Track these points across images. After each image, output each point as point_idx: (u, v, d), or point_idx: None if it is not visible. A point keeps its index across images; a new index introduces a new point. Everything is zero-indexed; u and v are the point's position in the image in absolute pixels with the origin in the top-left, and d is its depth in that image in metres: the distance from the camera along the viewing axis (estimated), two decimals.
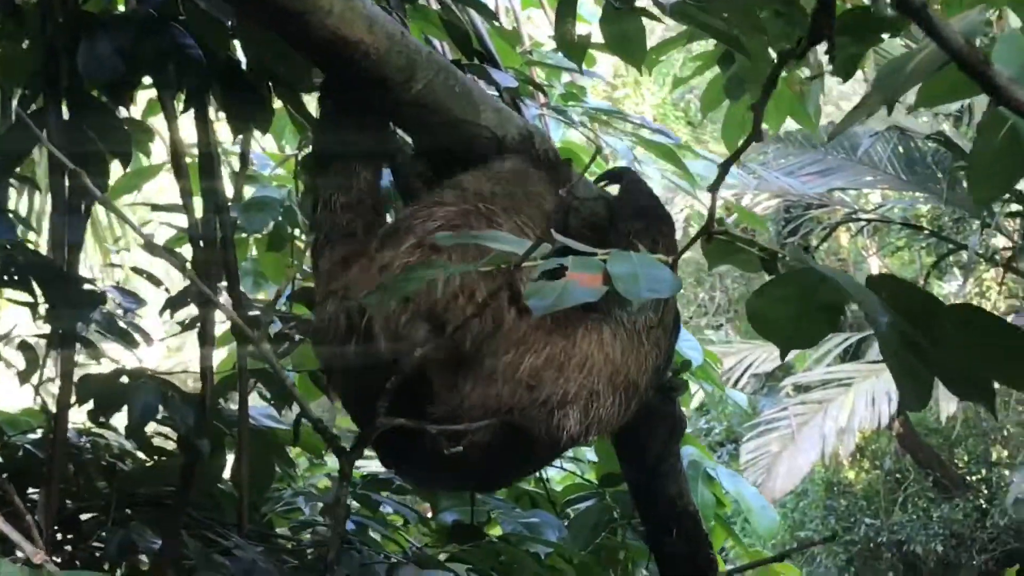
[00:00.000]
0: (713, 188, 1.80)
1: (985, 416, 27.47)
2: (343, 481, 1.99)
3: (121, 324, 3.49)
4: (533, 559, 3.57)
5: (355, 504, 3.60)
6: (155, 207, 3.98)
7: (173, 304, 3.60)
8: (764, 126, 3.46)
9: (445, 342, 2.19)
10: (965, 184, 21.53)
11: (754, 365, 20.93)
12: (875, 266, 28.24)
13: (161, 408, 3.24)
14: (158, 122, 3.77)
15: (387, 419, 1.95)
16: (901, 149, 22.04)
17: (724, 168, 1.86)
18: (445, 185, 2.51)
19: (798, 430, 19.60)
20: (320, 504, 3.96)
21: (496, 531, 3.77)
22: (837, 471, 28.15)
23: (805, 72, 3.20)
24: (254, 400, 4.44)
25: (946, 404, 19.08)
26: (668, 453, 2.75)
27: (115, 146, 3.07)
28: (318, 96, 2.76)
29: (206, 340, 3.27)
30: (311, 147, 2.83)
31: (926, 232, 22.54)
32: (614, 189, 2.76)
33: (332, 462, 4.71)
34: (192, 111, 3.33)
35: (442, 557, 3.42)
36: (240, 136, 3.85)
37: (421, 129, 2.65)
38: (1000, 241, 21.48)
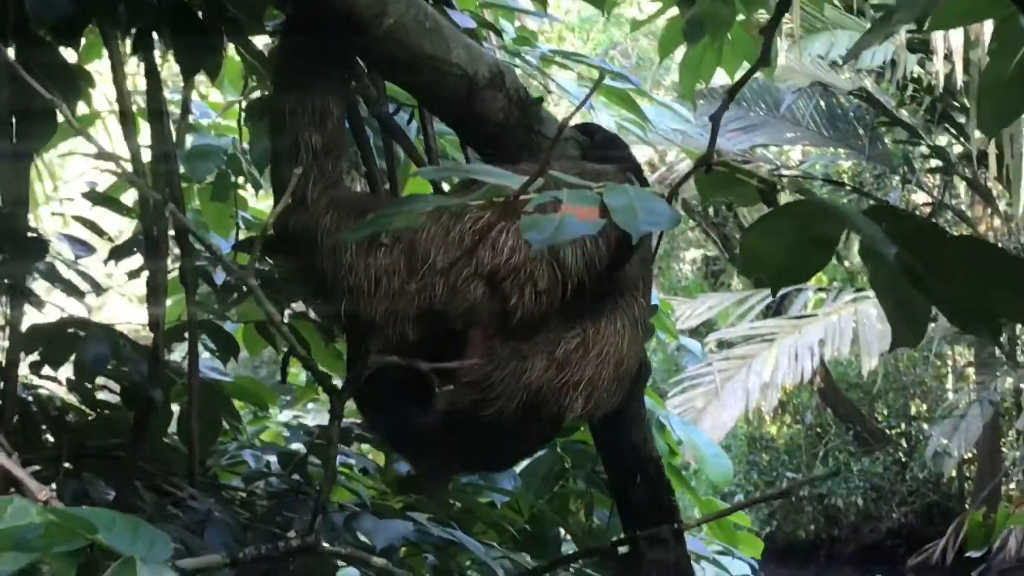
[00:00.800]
0: (715, 117, 1.77)
1: (904, 371, 27.90)
2: (335, 420, 1.95)
3: (67, 274, 3.41)
4: (488, 508, 3.56)
5: (305, 454, 3.54)
6: (98, 155, 3.88)
7: (119, 253, 3.52)
8: (721, 72, 3.45)
9: (496, 308, 2.21)
10: (886, 139, 21.70)
11: (678, 321, 20.97)
12: None
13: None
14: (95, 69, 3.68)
15: (378, 357, 1.92)
16: (823, 105, 22.21)
17: (728, 97, 1.82)
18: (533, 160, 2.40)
19: (722, 385, 19.69)
20: (267, 458, 3.92)
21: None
22: (760, 426, 28.43)
23: (764, 16, 3.18)
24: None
25: (867, 359, 19.28)
26: (632, 398, 2.71)
27: (64, 91, 2.98)
28: (280, 36, 2.69)
29: (157, 289, 3.20)
30: (273, 90, 2.73)
31: (847, 188, 22.78)
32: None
33: (283, 416, 4.68)
34: (137, 55, 3.25)
35: (396, 507, 3.40)
36: (182, 84, 3.77)
37: (389, 67, 2.59)
38: (920, 197, 21.74)
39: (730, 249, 27.29)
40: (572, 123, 2.59)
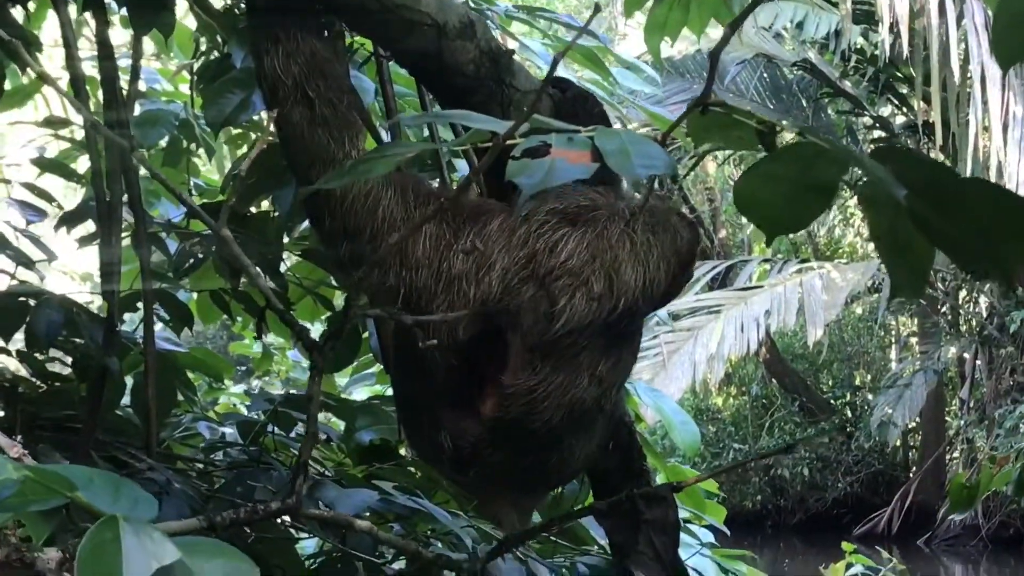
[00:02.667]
0: (714, 53, 1.69)
1: (849, 341, 28.09)
2: (315, 376, 1.87)
3: (16, 243, 3.30)
4: None
5: (265, 422, 3.45)
6: (47, 121, 3.79)
7: (70, 219, 3.42)
8: (687, 32, 3.38)
9: (544, 309, 2.20)
10: (829, 110, 21.76)
11: None
12: None
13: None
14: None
15: (360, 308, 1.84)
16: (767, 77, 22.27)
17: (729, 31, 1.75)
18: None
19: (669, 358, 19.72)
20: (223, 430, 3.83)
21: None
22: (706, 398, 28.54)
23: None
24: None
25: (812, 330, 19.36)
26: None
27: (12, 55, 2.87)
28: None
29: (111, 253, 3.10)
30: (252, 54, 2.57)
31: None
32: None
33: (239, 388, 4.59)
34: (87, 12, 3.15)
35: (359, 477, 3.32)
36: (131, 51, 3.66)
37: (358, 16, 2.50)
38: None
39: None
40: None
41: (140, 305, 3.57)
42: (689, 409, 27.92)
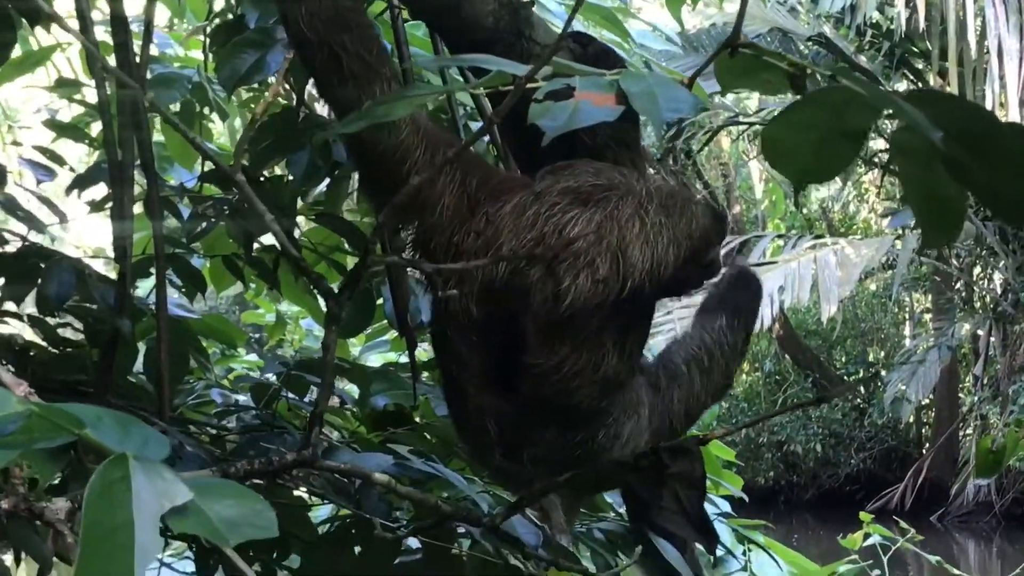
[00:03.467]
0: None
1: (863, 317, 28.01)
2: (331, 325, 1.83)
3: (27, 205, 3.27)
4: None
5: (279, 387, 3.42)
6: (59, 83, 3.75)
7: (82, 182, 3.38)
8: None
9: (550, 291, 2.21)
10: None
11: None
12: (756, 169, 28.46)
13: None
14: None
15: (379, 257, 1.80)
16: (782, 51, 22.15)
17: None
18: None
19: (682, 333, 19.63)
20: (236, 397, 3.80)
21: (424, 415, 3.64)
22: None
23: None
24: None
25: (826, 306, 19.30)
26: None
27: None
28: None
29: (124, 215, 3.06)
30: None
31: None
32: None
33: (252, 356, 4.55)
34: None
35: (375, 441, 3.29)
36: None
37: None
38: (879, 143, 21.70)
39: None
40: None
41: (153, 270, 3.54)
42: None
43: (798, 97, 1.57)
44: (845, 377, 28.11)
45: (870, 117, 1.51)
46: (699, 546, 3.08)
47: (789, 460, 27.54)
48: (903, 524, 5.99)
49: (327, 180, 3.62)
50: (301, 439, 2.29)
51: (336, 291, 1.86)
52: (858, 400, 27.59)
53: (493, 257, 2.17)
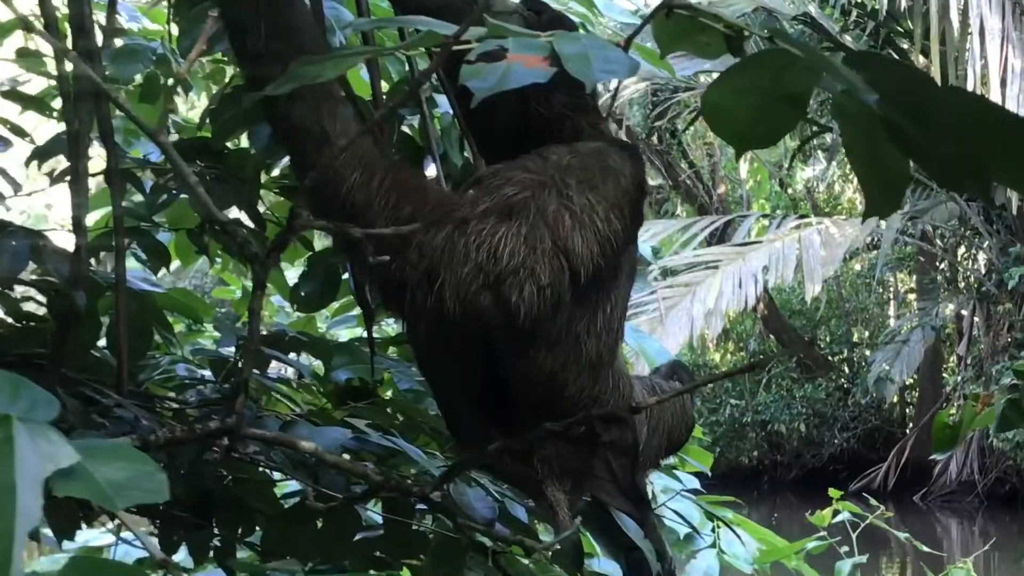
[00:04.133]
0: None
1: (847, 297, 28.06)
2: (257, 290, 1.81)
3: None
4: (432, 417, 3.42)
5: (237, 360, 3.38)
6: (20, 53, 3.70)
7: (42, 154, 3.34)
8: None
9: (503, 311, 2.18)
10: None
11: None
12: None
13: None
14: None
15: (303, 221, 1.77)
16: (766, 31, 22.09)
17: None
18: (532, 153, 2.39)
19: (666, 314, 19.69)
20: (201, 372, 3.76)
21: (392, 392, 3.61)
22: (703, 353, 28.56)
23: None
24: (129, 263, 4.21)
25: (810, 285, 19.33)
26: None
27: None
28: None
29: (79, 186, 3.02)
30: None
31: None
32: None
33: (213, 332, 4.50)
34: None
35: (337, 417, 3.26)
36: None
37: None
38: None
39: (674, 177, 27.24)
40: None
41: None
42: (687, 364, 28.00)
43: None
44: (829, 357, 28.17)
45: (809, 80, 1.48)
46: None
47: (773, 440, 27.64)
48: (873, 501, 5.99)
49: None
50: (225, 408, 2.27)
51: (261, 253, 1.83)
52: (842, 380, 27.66)
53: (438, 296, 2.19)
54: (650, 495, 4.06)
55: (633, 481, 2.25)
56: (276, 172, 3.81)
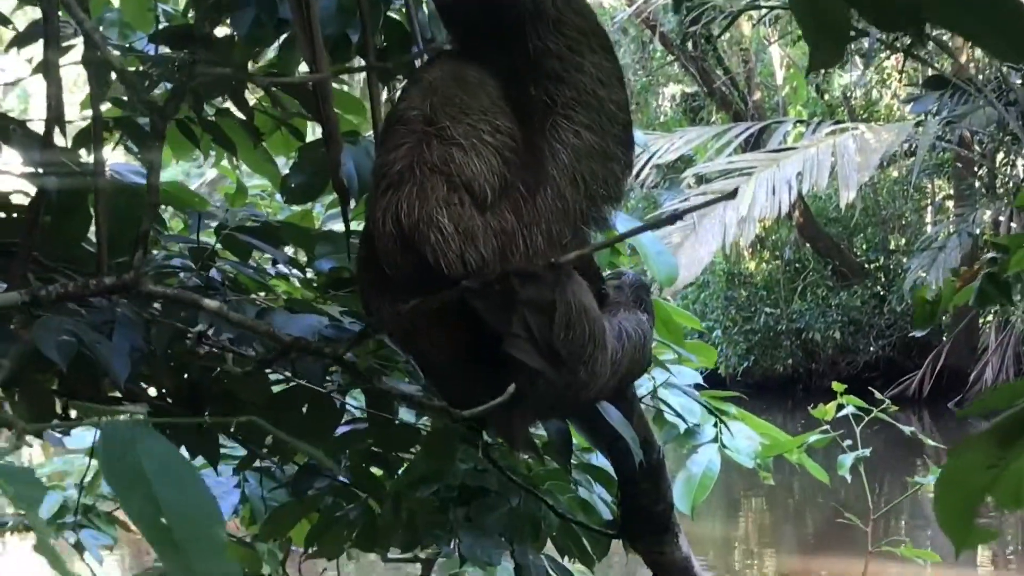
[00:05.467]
0: None
1: (884, 205, 27.82)
2: (155, 141, 1.75)
3: None
4: None
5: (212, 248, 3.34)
6: None
7: (21, 40, 3.29)
8: None
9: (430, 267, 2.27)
10: None
11: (656, 156, 20.74)
12: (776, 55, 28.13)
13: None
14: None
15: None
16: None
17: None
18: (405, 91, 2.52)
19: (699, 221, 19.55)
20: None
21: None
22: (738, 262, 28.45)
23: None
24: (121, 156, 4.17)
25: (845, 192, 19.13)
26: None
27: None
28: None
29: (50, 69, 2.96)
30: None
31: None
32: None
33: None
34: None
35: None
36: None
37: None
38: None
39: (709, 84, 26.99)
40: None
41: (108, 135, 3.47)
42: (721, 273, 27.92)
43: None
44: (865, 264, 28.02)
45: None
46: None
47: (808, 348, 27.57)
48: (878, 395, 5.93)
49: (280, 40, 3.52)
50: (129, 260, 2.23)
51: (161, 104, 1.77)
52: (878, 287, 27.50)
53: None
54: (649, 390, 4.04)
55: (551, 340, 2.22)
56: (264, 61, 3.75)
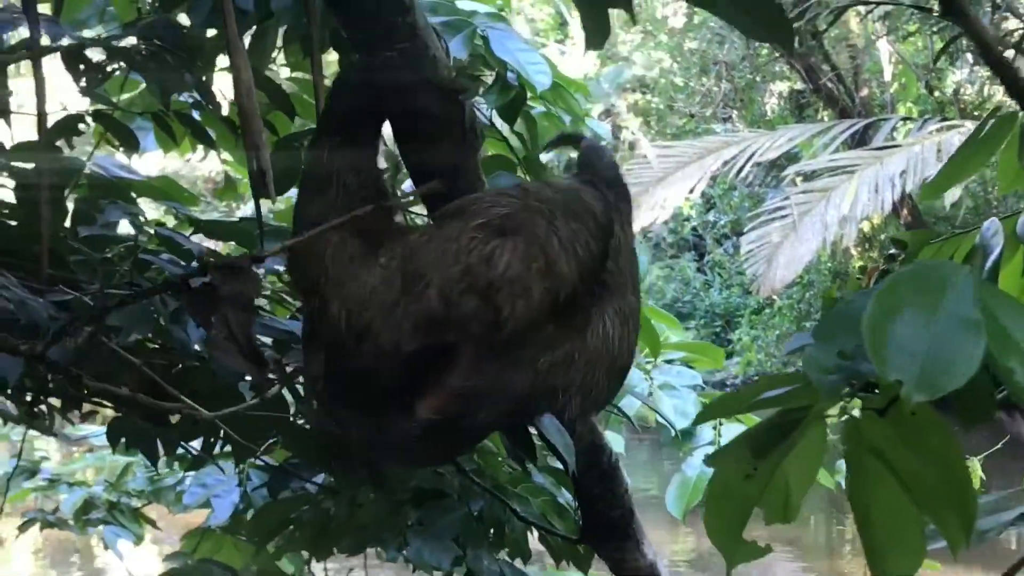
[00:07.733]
0: None
1: (996, 201, 27.25)
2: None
3: None
4: None
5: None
6: None
7: None
8: None
9: (488, 320, 2.22)
10: None
11: (757, 154, 20.51)
12: (885, 50, 27.65)
13: None
14: None
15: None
16: None
17: None
18: (509, 187, 2.58)
19: (799, 219, 19.32)
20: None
21: None
22: (846, 261, 28.04)
23: None
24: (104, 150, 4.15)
25: (952, 190, 18.76)
26: None
27: None
28: None
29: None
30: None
31: (937, 15, 21.98)
32: None
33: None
34: None
35: None
36: None
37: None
38: (1012, 23, 20.94)
39: (815, 80, 26.63)
40: None
41: (81, 127, 3.46)
42: (826, 272, 27.54)
43: None
44: None
45: None
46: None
47: None
48: None
49: (251, 31, 3.48)
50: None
51: None
52: None
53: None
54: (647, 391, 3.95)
55: (251, 339, 2.13)
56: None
